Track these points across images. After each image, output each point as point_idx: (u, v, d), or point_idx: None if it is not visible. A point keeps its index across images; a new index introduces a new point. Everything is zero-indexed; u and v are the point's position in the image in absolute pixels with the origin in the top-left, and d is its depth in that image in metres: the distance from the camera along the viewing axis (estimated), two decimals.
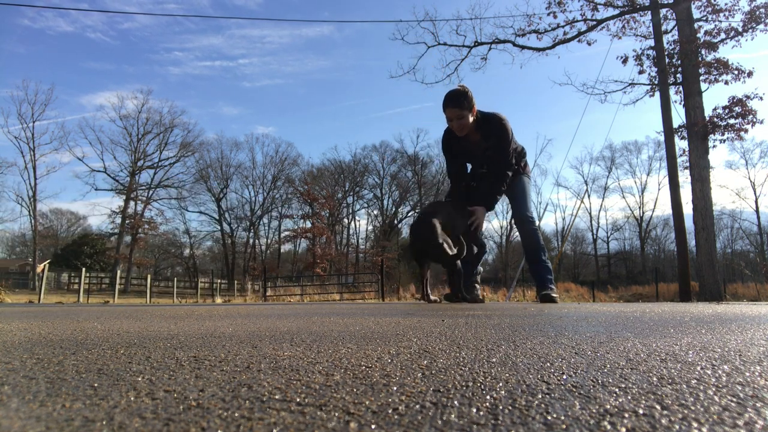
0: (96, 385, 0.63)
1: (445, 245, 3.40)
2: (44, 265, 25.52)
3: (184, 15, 71.06)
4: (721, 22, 12.44)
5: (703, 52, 12.20)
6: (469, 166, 4.12)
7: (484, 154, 3.87)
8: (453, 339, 1.13)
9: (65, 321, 1.86)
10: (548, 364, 0.78)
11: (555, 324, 1.54)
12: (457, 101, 3.66)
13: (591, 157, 57.46)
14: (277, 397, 0.56)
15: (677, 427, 0.44)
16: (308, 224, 39.94)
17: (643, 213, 48.30)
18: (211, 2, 59.21)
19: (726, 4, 12.40)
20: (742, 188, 60.22)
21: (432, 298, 3.78)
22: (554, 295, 3.92)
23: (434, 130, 59.43)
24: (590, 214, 48.87)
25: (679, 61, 12.20)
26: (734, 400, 0.54)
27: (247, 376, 0.68)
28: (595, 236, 49.93)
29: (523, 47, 14.16)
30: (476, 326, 1.47)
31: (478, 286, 4.17)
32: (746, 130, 11.82)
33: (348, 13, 66.44)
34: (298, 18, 77.38)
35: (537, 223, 4.26)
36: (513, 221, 4.30)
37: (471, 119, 3.71)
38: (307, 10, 63.58)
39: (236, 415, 0.48)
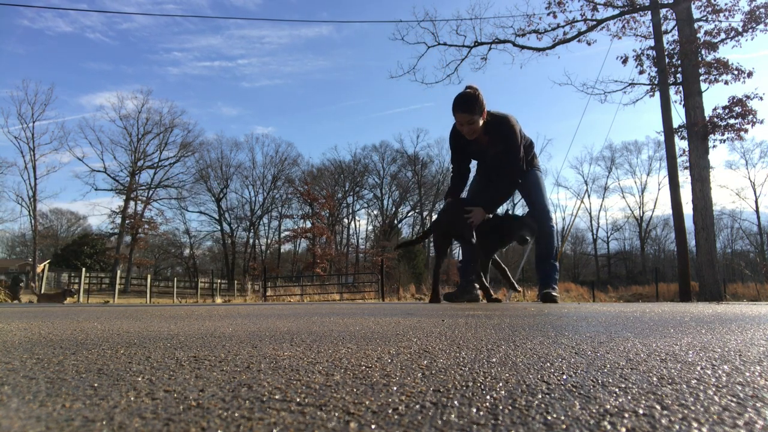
0: (96, 385, 0.63)
1: (468, 225, 3.75)
2: (44, 265, 25.55)
3: (183, 15, 70.94)
4: (721, 22, 12.45)
5: (703, 52, 12.20)
6: (475, 163, 4.11)
7: (492, 156, 3.83)
8: (453, 339, 1.13)
9: (65, 321, 1.86)
10: (548, 364, 0.78)
11: (555, 324, 1.54)
12: (468, 107, 3.52)
13: (591, 157, 57.63)
14: (277, 397, 0.56)
15: (677, 427, 0.44)
16: (308, 224, 39.98)
17: (643, 213, 48.35)
18: (209, 3, 59.20)
19: (726, 4, 12.40)
20: (742, 188, 60.29)
21: (441, 299, 3.80)
22: (555, 294, 3.93)
23: (434, 130, 59.56)
24: (590, 214, 48.92)
25: (679, 61, 12.20)
26: (734, 400, 0.54)
27: (247, 376, 0.68)
28: (595, 236, 49.98)
29: (523, 47, 14.16)
30: (476, 326, 1.47)
31: (477, 286, 4.17)
32: (746, 130, 11.82)
33: (347, 13, 66.42)
34: (297, 18, 77.41)
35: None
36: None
37: (481, 122, 3.63)
38: (306, 11, 63.59)
39: (236, 415, 0.48)
